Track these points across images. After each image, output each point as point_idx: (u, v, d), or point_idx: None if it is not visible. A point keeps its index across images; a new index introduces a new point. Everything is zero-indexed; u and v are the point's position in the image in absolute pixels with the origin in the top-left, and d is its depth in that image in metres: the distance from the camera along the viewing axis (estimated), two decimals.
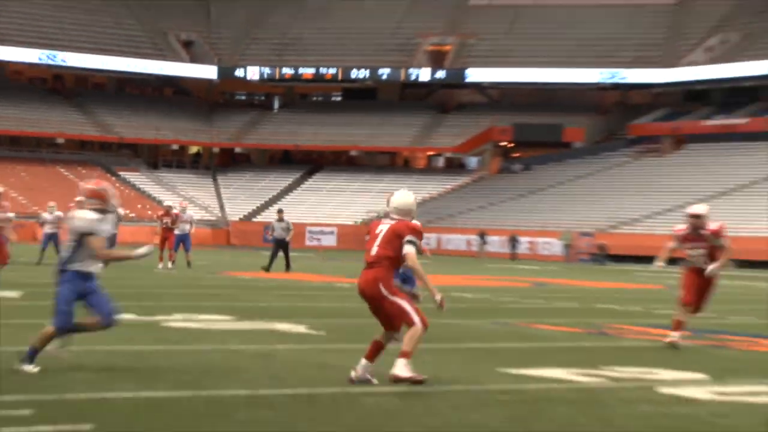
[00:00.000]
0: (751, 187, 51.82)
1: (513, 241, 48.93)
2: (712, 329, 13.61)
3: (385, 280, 7.77)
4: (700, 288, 10.85)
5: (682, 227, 10.83)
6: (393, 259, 7.81)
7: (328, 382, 8.14)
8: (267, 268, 26.95)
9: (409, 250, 7.86)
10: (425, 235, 10.79)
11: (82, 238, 7.81)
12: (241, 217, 61.42)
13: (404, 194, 8.22)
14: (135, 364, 8.75)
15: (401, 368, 7.62)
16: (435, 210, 57.27)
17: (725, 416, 7.04)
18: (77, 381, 7.65)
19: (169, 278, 24.32)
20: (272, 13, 74.32)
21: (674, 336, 10.63)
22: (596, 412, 7.15)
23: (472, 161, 68.72)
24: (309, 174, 67.72)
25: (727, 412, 7.26)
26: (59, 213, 27.14)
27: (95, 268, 7.99)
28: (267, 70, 70.86)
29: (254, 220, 60.40)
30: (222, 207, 62.32)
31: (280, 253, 27.56)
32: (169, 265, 27.45)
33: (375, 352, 7.81)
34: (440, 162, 70.87)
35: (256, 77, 71.26)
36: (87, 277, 7.85)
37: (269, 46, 72.14)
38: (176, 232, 28.21)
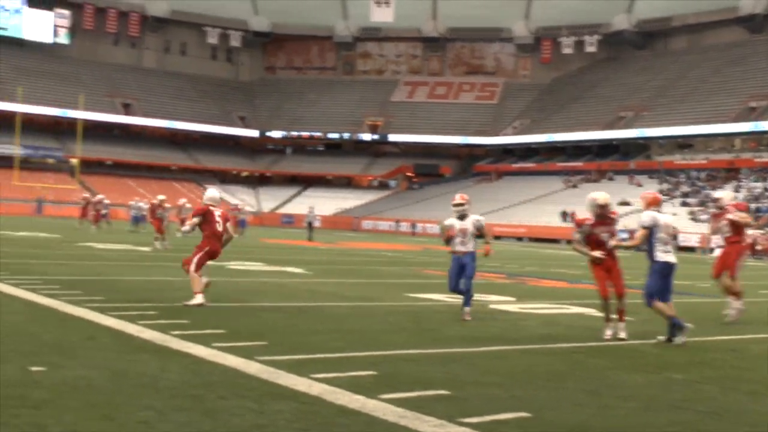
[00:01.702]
0: (536, 200, 62.54)
1: (413, 227, 57.04)
2: (517, 273, 16.85)
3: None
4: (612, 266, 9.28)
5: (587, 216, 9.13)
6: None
7: (314, 299, 10.03)
8: (309, 239, 31.87)
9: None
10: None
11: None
12: (270, 209, 75.09)
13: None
14: (212, 288, 10.27)
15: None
16: (373, 208, 69.21)
17: (525, 319, 9.28)
18: (182, 298, 9.35)
19: (233, 241, 20.98)
20: (287, 103, 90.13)
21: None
22: (456, 314, 9.30)
23: (392, 183, 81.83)
24: (305, 188, 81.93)
25: (525, 317, 9.37)
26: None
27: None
28: (284, 133, 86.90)
29: (277, 212, 74.23)
30: (259, 204, 76.16)
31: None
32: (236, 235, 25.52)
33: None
34: (376, 183, 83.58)
35: (279, 136, 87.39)
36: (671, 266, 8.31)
37: (285, 120, 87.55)
38: (239, 217, 34.13)
